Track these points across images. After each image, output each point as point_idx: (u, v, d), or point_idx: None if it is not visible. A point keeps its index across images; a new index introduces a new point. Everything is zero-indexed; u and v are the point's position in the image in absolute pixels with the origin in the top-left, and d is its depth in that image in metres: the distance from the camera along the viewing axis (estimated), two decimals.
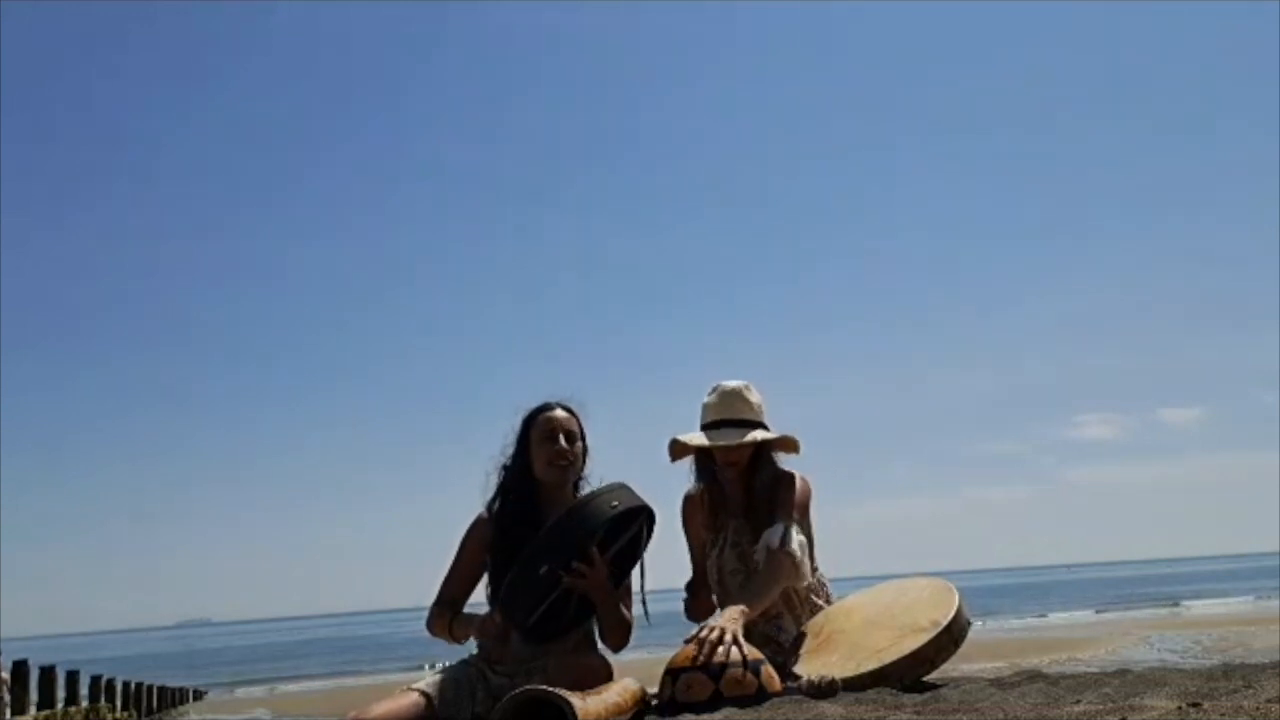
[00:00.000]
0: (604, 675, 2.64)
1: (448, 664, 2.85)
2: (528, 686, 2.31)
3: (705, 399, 3.11)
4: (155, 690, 22.39)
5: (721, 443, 2.99)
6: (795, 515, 2.97)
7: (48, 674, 14.76)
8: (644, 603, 2.83)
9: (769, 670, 2.50)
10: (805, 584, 2.97)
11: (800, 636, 2.89)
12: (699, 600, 3.12)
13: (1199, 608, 36.48)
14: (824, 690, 2.46)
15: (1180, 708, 1.83)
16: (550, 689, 2.25)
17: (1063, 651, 19.83)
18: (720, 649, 2.46)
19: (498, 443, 2.93)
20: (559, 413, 2.87)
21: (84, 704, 16.50)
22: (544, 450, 2.83)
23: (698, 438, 3.05)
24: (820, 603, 3.03)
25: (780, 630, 2.96)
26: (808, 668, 2.66)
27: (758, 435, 3.01)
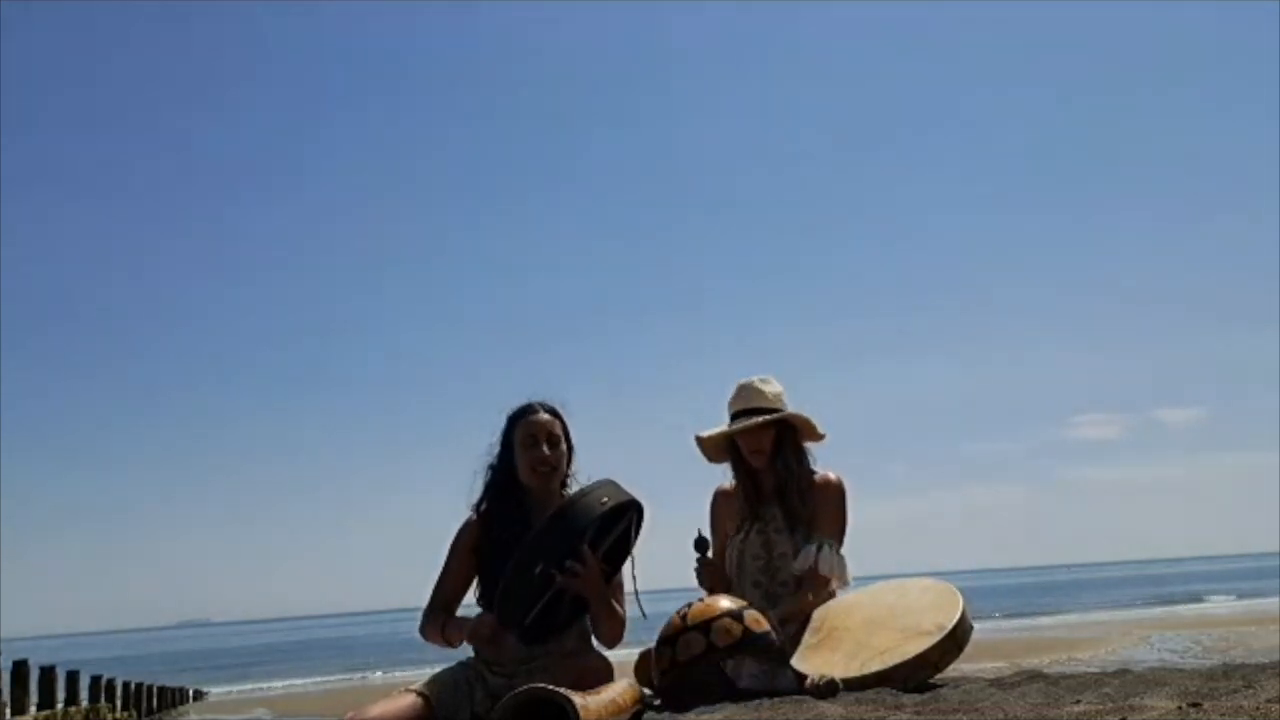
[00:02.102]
0: (604, 675, 2.65)
1: (446, 665, 2.86)
2: (531, 685, 2.31)
3: (729, 398, 3.24)
4: (155, 690, 22.41)
5: (735, 428, 3.12)
6: (837, 528, 3.08)
7: (48, 674, 14.78)
8: (639, 599, 2.83)
9: (754, 615, 2.66)
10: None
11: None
12: (712, 564, 3.13)
13: (1199, 608, 36.50)
14: (825, 690, 2.46)
15: (1180, 708, 1.83)
16: (552, 688, 2.25)
17: (1063, 651, 19.83)
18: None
19: (485, 442, 2.92)
20: (542, 416, 2.86)
21: (84, 704, 16.51)
22: (527, 456, 2.83)
23: (717, 429, 3.18)
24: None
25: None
26: (809, 664, 2.67)
27: (768, 417, 3.09)
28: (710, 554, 3.14)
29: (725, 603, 2.70)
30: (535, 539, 2.62)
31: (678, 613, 2.73)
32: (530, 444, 2.83)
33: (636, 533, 2.79)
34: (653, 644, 2.79)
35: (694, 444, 3.26)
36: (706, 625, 2.62)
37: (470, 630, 2.70)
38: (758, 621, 2.64)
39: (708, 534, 3.22)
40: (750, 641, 2.61)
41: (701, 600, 2.75)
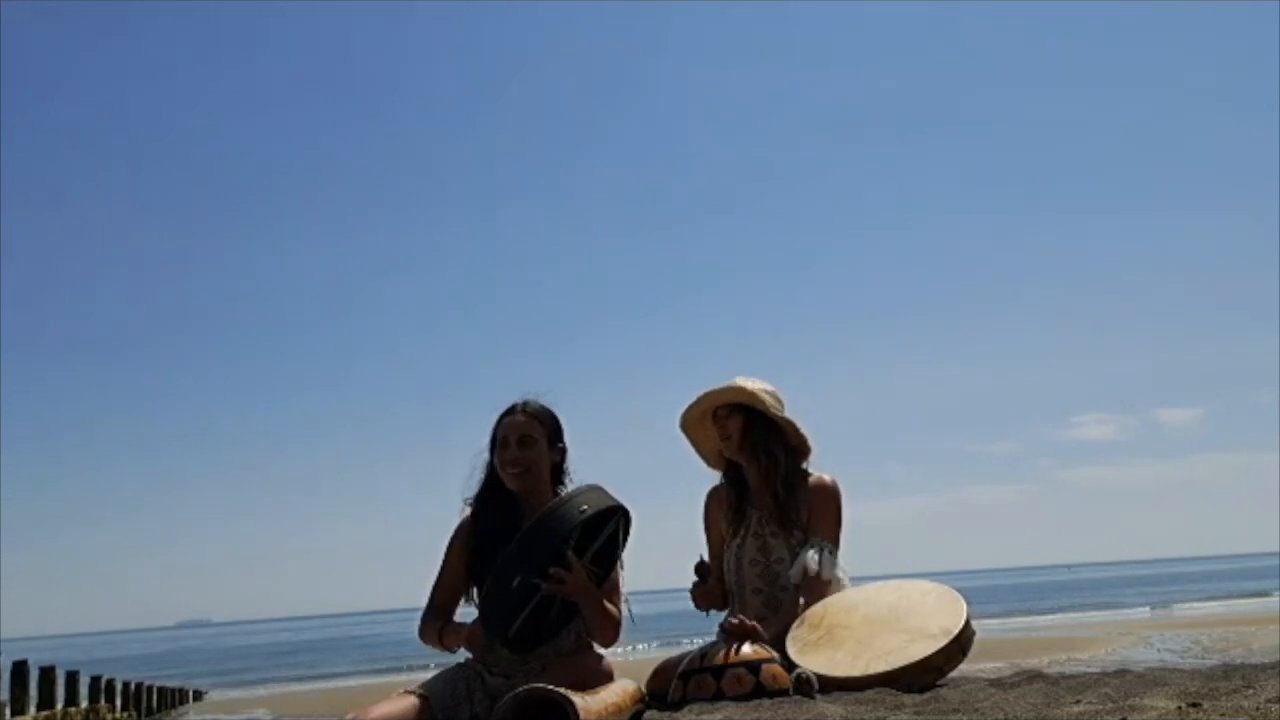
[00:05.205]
0: (603, 675, 2.66)
1: (446, 665, 2.86)
2: (531, 685, 2.31)
3: None
4: (155, 690, 22.35)
5: (693, 407, 3.16)
6: (834, 531, 3.08)
7: (48, 674, 14.72)
8: (627, 602, 2.81)
9: (773, 670, 2.60)
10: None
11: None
12: (708, 588, 3.13)
13: (1199, 608, 36.42)
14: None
15: (1180, 708, 1.84)
16: (552, 688, 2.25)
17: (1063, 651, 19.78)
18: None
19: (482, 441, 2.91)
20: (516, 417, 2.84)
21: (84, 704, 16.48)
22: (499, 457, 2.83)
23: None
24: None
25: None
26: (810, 661, 2.67)
27: (717, 395, 3.12)
28: (708, 579, 3.12)
29: (748, 650, 2.65)
30: (512, 549, 2.59)
31: (700, 649, 2.73)
32: (502, 445, 2.83)
33: (625, 537, 2.77)
34: (671, 655, 2.82)
35: (689, 445, 3.28)
36: (720, 670, 2.59)
37: (464, 638, 2.71)
38: (775, 678, 2.57)
39: (704, 536, 3.24)
40: (760, 696, 2.53)
41: (725, 644, 2.71)
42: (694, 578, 3.13)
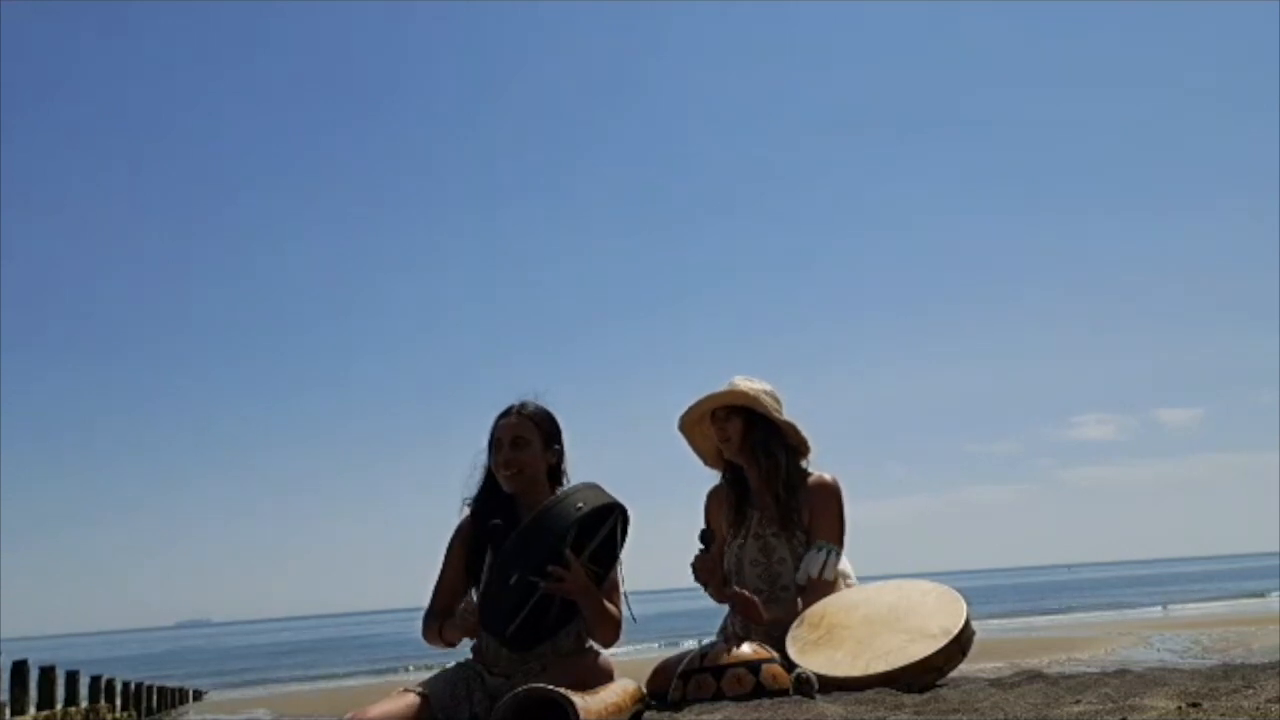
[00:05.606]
0: (603, 675, 2.66)
1: (446, 665, 2.86)
2: (531, 685, 2.31)
3: None
4: (155, 690, 22.34)
5: (690, 411, 3.17)
6: (837, 531, 3.07)
7: (47, 674, 14.71)
8: (627, 602, 2.79)
9: (773, 670, 2.60)
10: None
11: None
12: (710, 559, 3.08)
13: (1198, 608, 36.39)
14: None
15: (1180, 708, 1.84)
16: (552, 688, 2.25)
17: (1063, 651, 19.76)
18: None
19: (482, 440, 2.91)
20: (511, 419, 2.85)
21: (84, 704, 16.47)
22: (494, 459, 2.84)
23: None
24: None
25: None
26: (810, 661, 2.67)
27: (717, 398, 3.12)
28: (712, 548, 3.10)
29: (747, 650, 2.65)
30: (510, 547, 2.59)
31: (700, 649, 2.73)
32: (496, 446, 2.84)
33: (623, 535, 2.76)
34: (670, 655, 2.82)
35: (688, 447, 3.28)
36: (720, 670, 2.59)
37: (459, 621, 2.69)
38: (775, 678, 2.57)
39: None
40: (760, 696, 2.52)
41: (725, 643, 2.70)
42: (699, 546, 3.08)
